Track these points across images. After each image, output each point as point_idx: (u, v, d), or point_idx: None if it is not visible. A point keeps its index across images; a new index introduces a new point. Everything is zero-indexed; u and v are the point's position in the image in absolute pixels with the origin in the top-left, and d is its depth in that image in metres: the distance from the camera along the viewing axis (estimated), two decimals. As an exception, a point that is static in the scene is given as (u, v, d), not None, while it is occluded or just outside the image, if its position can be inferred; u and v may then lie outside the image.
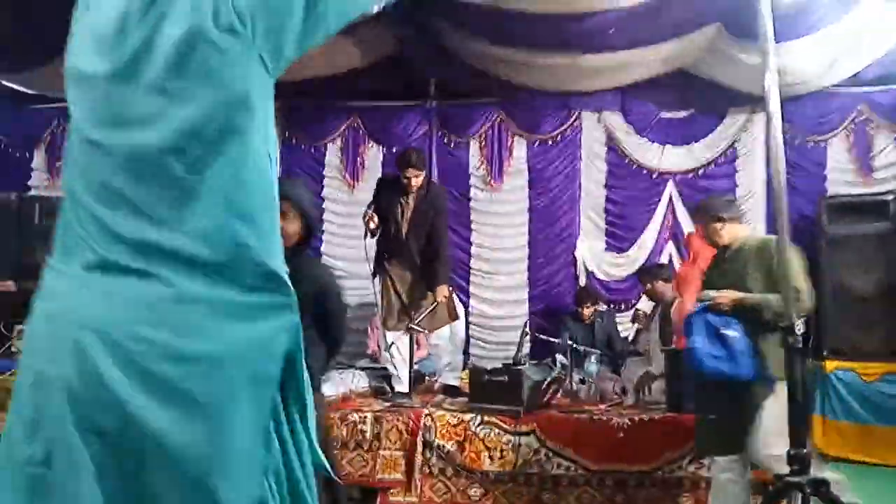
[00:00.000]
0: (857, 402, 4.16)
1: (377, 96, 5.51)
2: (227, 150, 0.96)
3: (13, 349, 3.80)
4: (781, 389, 2.25)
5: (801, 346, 1.77)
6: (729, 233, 2.67)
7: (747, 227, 2.80)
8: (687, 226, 5.18)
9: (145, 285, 0.93)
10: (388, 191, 3.78)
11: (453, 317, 3.88)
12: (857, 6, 4.04)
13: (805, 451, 1.74)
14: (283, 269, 1.01)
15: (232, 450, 0.93)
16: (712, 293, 2.55)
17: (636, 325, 4.73)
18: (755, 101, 4.44)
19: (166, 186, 0.95)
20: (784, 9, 3.82)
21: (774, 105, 2.00)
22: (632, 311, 5.00)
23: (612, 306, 5.23)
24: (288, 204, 2.01)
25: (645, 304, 4.74)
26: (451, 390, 3.78)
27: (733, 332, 2.43)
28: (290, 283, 1.01)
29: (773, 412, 2.28)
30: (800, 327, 1.74)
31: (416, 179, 3.67)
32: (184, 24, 0.94)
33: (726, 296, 2.51)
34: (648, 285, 4.25)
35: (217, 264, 0.94)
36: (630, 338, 4.82)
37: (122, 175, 0.96)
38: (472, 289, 5.44)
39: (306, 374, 1.04)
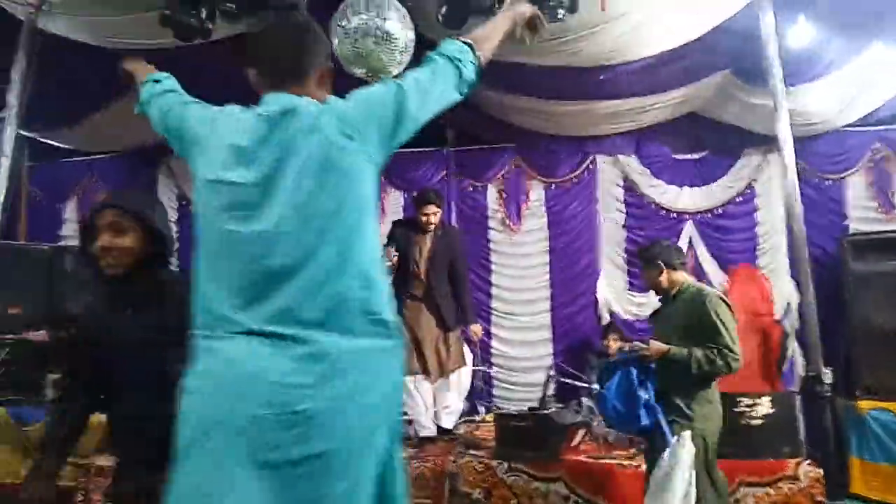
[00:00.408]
0: (895, 444, 4.03)
1: (396, 143, 5.64)
2: (353, 225, 1.24)
3: (45, 398, 3.75)
4: (687, 449, 2.41)
5: (829, 394, 1.77)
6: (668, 279, 2.77)
7: (686, 273, 2.89)
8: (707, 264, 5.19)
9: (281, 345, 1.16)
10: (404, 229, 3.83)
11: (462, 363, 3.87)
12: (868, 49, 4.10)
13: None
14: (392, 315, 1.27)
15: (365, 477, 1.20)
16: (641, 346, 2.66)
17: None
18: (769, 141, 4.47)
19: (301, 261, 1.19)
20: (795, 53, 3.90)
21: (788, 151, 2.05)
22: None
23: (636, 347, 5.18)
24: (117, 213, 1.66)
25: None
26: (442, 432, 3.73)
27: (644, 395, 2.55)
28: (397, 325, 1.28)
29: (660, 470, 2.44)
30: (827, 376, 1.74)
31: (435, 217, 3.73)
32: (314, 136, 1.24)
33: (654, 348, 2.61)
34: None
35: (339, 318, 1.19)
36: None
37: (263, 258, 1.20)
38: (493, 330, 5.43)
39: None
